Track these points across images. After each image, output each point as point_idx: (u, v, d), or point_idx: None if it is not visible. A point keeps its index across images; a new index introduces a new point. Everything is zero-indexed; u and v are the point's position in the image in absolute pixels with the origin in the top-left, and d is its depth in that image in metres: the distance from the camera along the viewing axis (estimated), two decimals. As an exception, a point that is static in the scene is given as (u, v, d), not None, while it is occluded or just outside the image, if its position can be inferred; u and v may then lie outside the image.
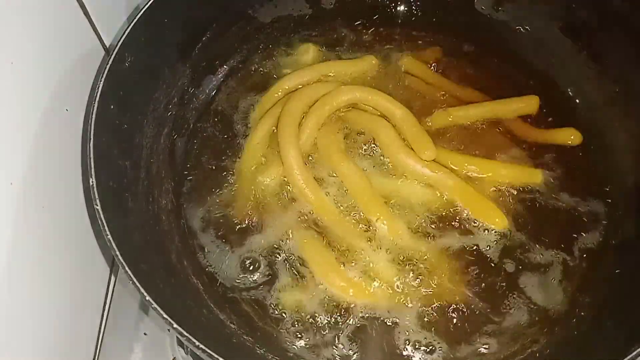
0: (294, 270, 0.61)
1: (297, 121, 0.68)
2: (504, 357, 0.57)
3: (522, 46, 0.76)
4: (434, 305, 0.59)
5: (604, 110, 0.67)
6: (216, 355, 0.46)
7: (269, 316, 0.59)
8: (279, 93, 0.73)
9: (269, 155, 0.68)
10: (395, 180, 0.66)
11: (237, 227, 0.64)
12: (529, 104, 0.71)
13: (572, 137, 0.68)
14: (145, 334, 0.73)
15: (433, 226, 0.63)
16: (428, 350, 0.57)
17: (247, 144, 0.69)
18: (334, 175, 0.66)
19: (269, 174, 0.66)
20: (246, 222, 0.64)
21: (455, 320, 0.58)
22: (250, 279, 0.61)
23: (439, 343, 0.57)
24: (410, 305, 0.59)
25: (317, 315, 0.59)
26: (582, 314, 0.58)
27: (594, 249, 0.62)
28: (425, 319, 0.58)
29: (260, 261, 0.62)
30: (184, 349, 0.68)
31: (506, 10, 0.76)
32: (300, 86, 0.73)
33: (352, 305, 0.59)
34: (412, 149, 0.66)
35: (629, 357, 0.46)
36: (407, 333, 0.58)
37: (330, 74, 0.74)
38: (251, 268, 0.62)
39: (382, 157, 0.67)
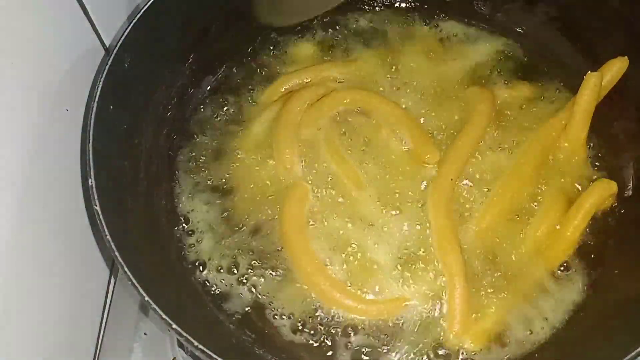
0: (292, 271, 0.61)
1: (296, 122, 0.68)
2: (504, 358, 0.57)
3: (521, 46, 0.76)
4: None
5: (603, 109, 0.67)
6: (215, 356, 0.47)
7: (267, 316, 0.59)
8: (278, 94, 0.72)
9: (266, 156, 0.68)
10: (391, 179, 0.66)
11: (237, 228, 0.64)
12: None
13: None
14: (145, 334, 0.73)
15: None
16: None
17: (245, 144, 0.69)
18: (331, 175, 0.66)
19: (266, 175, 0.66)
20: (245, 222, 0.64)
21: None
22: (249, 279, 0.61)
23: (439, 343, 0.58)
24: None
25: (315, 315, 0.59)
26: (582, 314, 0.59)
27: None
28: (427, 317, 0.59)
29: (260, 262, 0.62)
30: (184, 349, 0.68)
31: (505, 11, 0.76)
32: (299, 87, 0.73)
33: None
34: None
35: (628, 357, 0.46)
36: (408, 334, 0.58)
37: (329, 74, 0.74)
38: (250, 268, 0.62)
39: (379, 158, 0.67)
